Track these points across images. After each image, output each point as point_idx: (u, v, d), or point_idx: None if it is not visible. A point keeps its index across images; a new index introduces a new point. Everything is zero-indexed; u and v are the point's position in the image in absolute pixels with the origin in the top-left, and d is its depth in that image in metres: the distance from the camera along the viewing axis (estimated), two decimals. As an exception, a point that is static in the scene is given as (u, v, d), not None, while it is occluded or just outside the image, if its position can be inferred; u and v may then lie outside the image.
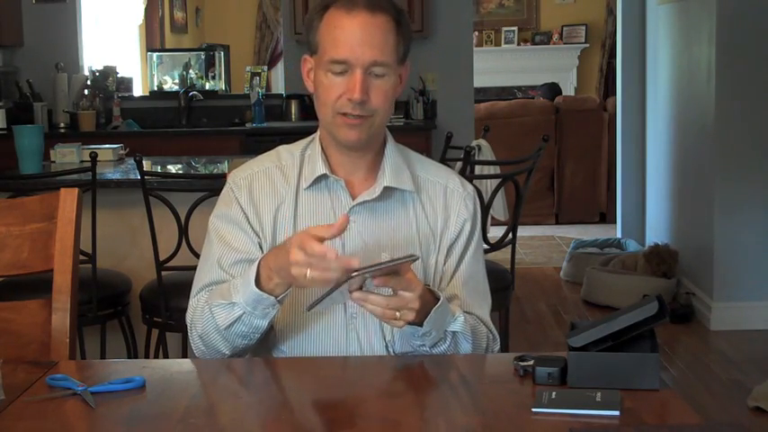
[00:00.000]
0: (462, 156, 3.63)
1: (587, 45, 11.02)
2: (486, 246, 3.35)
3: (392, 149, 1.94)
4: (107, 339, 3.68)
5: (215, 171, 4.20)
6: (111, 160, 4.40)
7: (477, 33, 10.35)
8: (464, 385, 1.63)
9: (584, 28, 10.99)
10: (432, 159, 2.05)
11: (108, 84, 6.28)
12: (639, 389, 1.54)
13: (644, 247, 5.81)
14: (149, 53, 7.45)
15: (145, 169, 3.37)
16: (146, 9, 8.85)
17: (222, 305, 1.78)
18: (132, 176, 3.77)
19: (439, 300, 1.75)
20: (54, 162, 4.27)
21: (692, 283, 5.27)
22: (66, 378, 1.61)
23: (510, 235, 3.74)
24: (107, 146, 4.52)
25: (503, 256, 3.97)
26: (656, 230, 6.00)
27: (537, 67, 10.96)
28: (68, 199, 1.95)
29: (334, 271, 1.60)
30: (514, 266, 3.85)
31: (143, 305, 3.49)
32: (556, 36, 11.09)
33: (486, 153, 4.78)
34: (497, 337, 1.94)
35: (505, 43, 11.11)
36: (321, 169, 1.88)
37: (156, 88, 6.93)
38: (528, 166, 3.75)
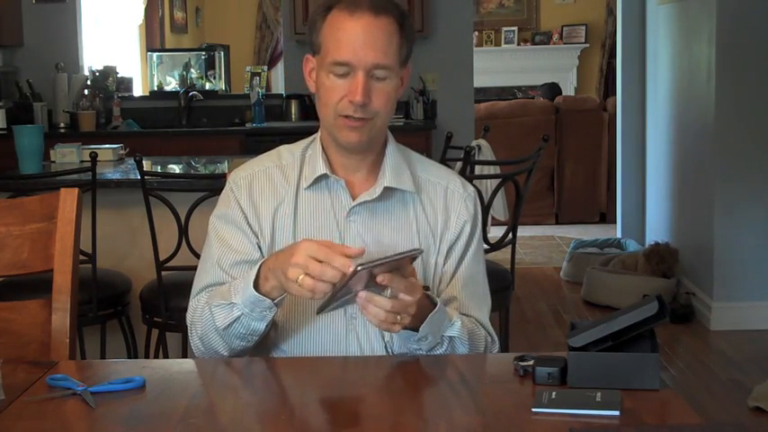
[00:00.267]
0: (462, 156, 3.63)
1: (587, 45, 11.02)
2: (486, 246, 3.35)
3: (393, 150, 1.93)
4: (107, 339, 3.68)
5: (215, 171, 4.20)
6: (111, 160, 4.40)
7: (477, 33, 10.35)
8: (464, 385, 1.63)
9: (584, 28, 10.99)
10: (432, 160, 2.05)
11: (108, 84, 6.28)
12: (639, 389, 1.54)
13: (644, 247, 5.81)
14: (149, 53, 7.46)
15: (145, 169, 3.37)
16: (146, 9, 8.85)
17: (222, 305, 1.78)
18: (132, 176, 3.78)
19: (436, 305, 1.75)
20: (54, 162, 4.27)
21: (692, 282, 5.27)
22: (66, 378, 1.61)
23: (510, 235, 3.74)
24: (107, 146, 4.52)
25: (503, 256, 3.97)
26: (656, 230, 6.00)
27: (537, 67, 10.96)
28: (68, 199, 1.95)
29: (327, 281, 1.60)
30: (514, 266, 3.85)
31: (143, 305, 3.49)
32: (556, 36, 11.09)
33: (486, 153, 4.78)
34: (496, 339, 1.94)
35: (505, 43, 11.11)
36: (321, 169, 1.88)
37: (156, 88, 6.93)
38: (528, 166, 3.75)
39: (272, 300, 1.73)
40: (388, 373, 1.73)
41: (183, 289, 2.82)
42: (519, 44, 11.10)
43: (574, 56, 11.10)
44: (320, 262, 1.60)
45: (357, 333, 1.85)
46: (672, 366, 4.37)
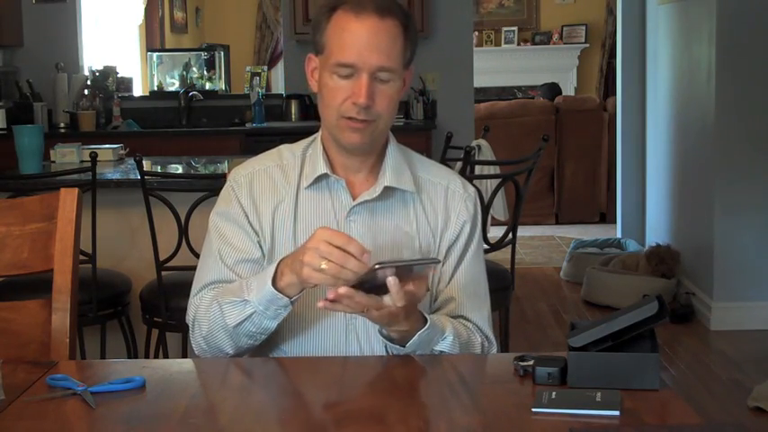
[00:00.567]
0: (462, 156, 3.63)
1: (587, 45, 11.02)
2: (486, 246, 3.35)
3: (394, 150, 1.93)
4: (107, 339, 3.68)
5: (215, 171, 4.20)
6: (111, 160, 4.40)
7: (477, 33, 10.34)
8: (464, 385, 1.63)
9: (584, 28, 10.99)
10: (433, 160, 2.05)
11: (108, 84, 6.28)
12: (639, 389, 1.54)
13: (644, 247, 5.81)
14: (149, 53, 7.46)
15: (145, 169, 3.37)
16: (146, 9, 8.86)
17: (234, 303, 1.77)
18: (132, 176, 3.78)
19: (427, 322, 1.75)
20: (54, 162, 4.27)
21: (692, 283, 5.27)
22: (66, 378, 1.61)
23: (510, 235, 3.74)
24: (107, 146, 4.52)
25: (503, 256, 3.97)
26: (656, 230, 6.00)
27: (537, 67, 10.96)
28: (68, 199, 1.95)
29: (350, 268, 1.60)
30: (514, 266, 3.85)
31: (143, 305, 3.49)
32: (556, 36, 11.09)
33: (486, 153, 4.78)
34: (494, 342, 1.93)
35: (505, 43, 11.11)
36: (322, 168, 1.88)
37: (156, 88, 6.93)
38: (528, 166, 3.75)
39: (290, 298, 1.73)
40: (388, 373, 1.73)
41: (183, 289, 2.81)
42: (519, 44, 11.10)
43: (574, 56, 11.10)
44: (337, 248, 1.61)
45: (357, 333, 1.85)
46: (672, 366, 4.37)
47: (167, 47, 9.44)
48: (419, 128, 5.92)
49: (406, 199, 1.91)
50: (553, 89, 8.99)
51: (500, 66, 10.90)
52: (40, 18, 6.26)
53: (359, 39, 1.79)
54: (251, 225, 1.88)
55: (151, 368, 1.71)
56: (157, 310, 3.40)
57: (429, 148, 5.67)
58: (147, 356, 3.55)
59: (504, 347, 3.70)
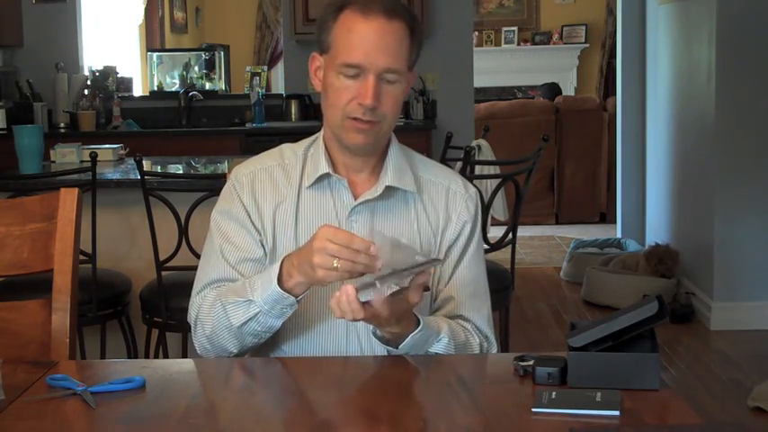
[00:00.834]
0: (462, 156, 3.63)
1: (587, 45, 11.02)
2: (486, 246, 3.35)
3: (395, 150, 1.93)
4: (107, 339, 3.68)
5: (215, 171, 4.20)
6: (111, 160, 4.40)
7: (477, 33, 10.35)
8: (464, 385, 1.63)
9: (584, 28, 10.99)
10: (434, 160, 2.05)
11: (108, 84, 6.27)
12: (639, 389, 1.54)
13: (644, 247, 5.81)
14: (149, 53, 7.46)
15: (145, 169, 3.37)
16: (146, 9, 8.86)
17: (238, 303, 1.77)
18: (132, 176, 3.78)
19: (420, 324, 1.74)
20: (54, 162, 4.27)
21: (692, 283, 5.27)
22: (66, 378, 1.61)
23: (510, 235, 3.74)
24: (107, 146, 4.52)
25: (503, 256, 3.97)
26: (656, 230, 6.00)
27: (537, 67, 10.96)
28: (68, 199, 1.95)
29: (361, 262, 1.60)
30: (514, 266, 3.85)
31: (143, 305, 3.49)
32: (556, 36, 11.09)
33: (486, 153, 4.78)
34: (494, 342, 1.93)
35: (505, 43, 11.11)
36: (324, 168, 1.88)
37: (156, 88, 6.93)
38: (528, 166, 3.75)
39: (296, 297, 1.73)
40: (388, 373, 1.73)
41: (183, 289, 2.82)
42: (519, 44, 11.10)
43: (574, 56, 11.10)
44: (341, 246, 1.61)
45: (357, 333, 1.85)
46: (672, 366, 4.37)
47: (167, 47, 9.44)
48: (419, 128, 5.92)
49: (408, 199, 1.92)
50: (553, 89, 9.00)
51: (500, 66, 10.90)
52: (40, 18, 6.26)
53: (366, 39, 1.78)
54: (253, 224, 1.88)
55: (151, 368, 1.71)
56: (157, 310, 3.40)
57: (429, 148, 5.67)
58: (147, 356, 3.55)
59: (504, 347, 3.70)
